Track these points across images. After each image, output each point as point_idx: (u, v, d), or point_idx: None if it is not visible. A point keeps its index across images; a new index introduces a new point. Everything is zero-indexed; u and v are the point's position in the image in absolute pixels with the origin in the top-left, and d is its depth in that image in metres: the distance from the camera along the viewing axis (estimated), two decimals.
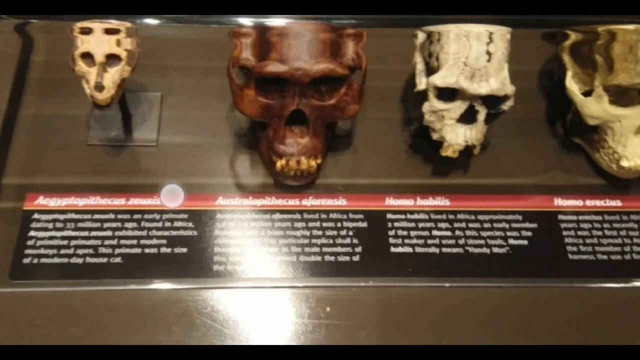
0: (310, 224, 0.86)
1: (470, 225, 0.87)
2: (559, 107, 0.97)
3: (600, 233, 0.87)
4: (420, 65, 0.88)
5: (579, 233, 0.87)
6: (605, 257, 0.85)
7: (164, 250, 0.83)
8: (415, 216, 0.87)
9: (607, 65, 0.86)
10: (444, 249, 0.85)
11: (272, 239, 0.84)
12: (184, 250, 0.83)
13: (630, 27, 0.85)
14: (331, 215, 0.87)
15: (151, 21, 0.87)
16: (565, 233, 0.87)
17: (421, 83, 0.86)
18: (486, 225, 0.87)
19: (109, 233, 0.83)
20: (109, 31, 0.83)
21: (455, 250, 0.85)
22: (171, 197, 0.85)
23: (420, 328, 0.79)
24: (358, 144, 0.94)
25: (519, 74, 0.85)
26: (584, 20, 0.87)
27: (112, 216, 0.85)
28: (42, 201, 0.85)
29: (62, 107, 0.94)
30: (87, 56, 0.81)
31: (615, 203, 0.90)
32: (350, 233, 0.85)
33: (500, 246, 0.85)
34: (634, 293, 0.83)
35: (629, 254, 0.86)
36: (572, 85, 0.90)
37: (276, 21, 0.85)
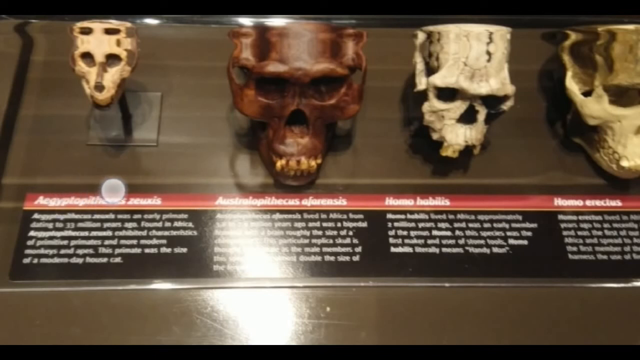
0: (310, 224, 0.86)
1: (470, 225, 0.87)
2: (559, 107, 0.97)
3: (600, 233, 0.87)
4: (420, 65, 0.88)
5: (579, 233, 0.87)
6: (605, 257, 0.85)
7: (164, 250, 0.83)
8: (415, 216, 0.87)
9: (607, 65, 0.86)
10: (444, 249, 0.85)
11: (272, 239, 0.84)
12: (184, 250, 0.83)
13: (630, 27, 0.85)
14: (331, 215, 0.87)
15: (151, 21, 0.87)
16: (565, 233, 0.87)
17: (421, 83, 0.86)
18: (486, 225, 0.87)
19: (109, 233, 0.83)
20: (109, 31, 0.83)
21: (455, 250, 0.85)
22: (112, 192, 0.86)
23: (420, 328, 0.79)
24: (358, 144, 0.94)
25: (519, 74, 0.85)
26: (584, 20, 0.87)
27: (112, 216, 0.85)
28: (42, 201, 0.85)
29: (62, 107, 0.94)
30: (87, 56, 0.81)
31: (615, 203, 0.90)
32: (350, 233, 0.85)
33: (500, 246, 0.85)
34: (634, 293, 0.83)
35: (629, 254, 0.86)
36: (572, 85, 0.90)
37: (276, 21, 0.85)
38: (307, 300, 0.80)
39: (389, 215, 0.87)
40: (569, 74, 0.91)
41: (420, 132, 0.92)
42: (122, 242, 0.83)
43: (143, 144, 0.92)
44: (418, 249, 0.84)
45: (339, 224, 0.86)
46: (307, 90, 0.81)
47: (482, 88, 0.81)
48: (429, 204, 0.88)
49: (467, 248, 0.85)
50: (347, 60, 0.82)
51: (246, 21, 0.86)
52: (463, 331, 0.79)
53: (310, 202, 0.88)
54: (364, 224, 0.86)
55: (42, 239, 0.82)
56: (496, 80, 0.81)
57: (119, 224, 0.84)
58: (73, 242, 0.82)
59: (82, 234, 0.83)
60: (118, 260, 0.82)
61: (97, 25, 0.82)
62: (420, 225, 0.86)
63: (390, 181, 0.91)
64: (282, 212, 0.87)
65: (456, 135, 0.84)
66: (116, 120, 0.92)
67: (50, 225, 0.83)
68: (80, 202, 0.86)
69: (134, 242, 0.83)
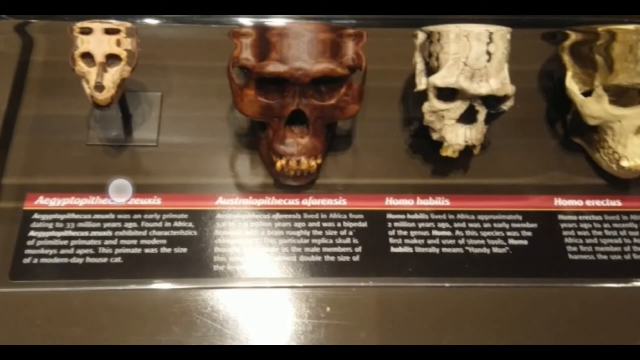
0: (310, 224, 0.86)
1: (470, 225, 0.87)
2: (559, 107, 0.97)
3: (600, 233, 0.87)
4: (420, 65, 0.88)
5: (579, 233, 0.87)
6: (605, 257, 0.85)
7: (164, 250, 0.83)
8: (415, 216, 0.87)
9: (607, 65, 0.86)
10: (444, 249, 0.85)
11: (272, 239, 0.84)
12: (184, 250, 0.83)
13: (630, 27, 0.85)
14: (331, 215, 0.87)
15: (151, 21, 0.87)
16: (565, 233, 0.87)
17: (421, 83, 0.86)
18: (486, 225, 0.87)
19: (109, 233, 0.83)
20: (109, 31, 0.83)
21: (455, 250, 0.85)
22: (119, 192, 0.86)
23: (420, 328, 0.79)
24: (358, 144, 0.94)
25: (519, 74, 0.85)
26: (584, 20, 0.87)
27: (112, 216, 0.85)
28: (42, 201, 0.85)
29: (62, 107, 0.94)
30: (87, 56, 0.81)
31: (615, 203, 0.90)
32: (350, 233, 0.85)
33: (500, 246, 0.85)
34: (634, 293, 0.83)
35: (629, 254, 0.86)
36: (572, 85, 0.90)
37: (276, 21, 0.85)
38: (307, 300, 0.80)
39: (389, 215, 0.87)
40: (569, 74, 0.91)
41: (420, 132, 0.92)
42: (122, 242, 0.83)
43: (143, 144, 0.92)
44: (418, 249, 0.84)
45: (339, 224, 0.86)
46: (307, 90, 0.81)
47: (482, 88, 0.81)
48: (429, 204, 0.88)
49: (467, 248, 0.85)
50: (347, 60, 0.82)
51: (246, 21, 0.86)
52: (463, 331, 0.79)
53: (310, 202, 0.88)
54: (364, 224, 0.86)
55: (42, 239, 0.82)
56: (496, 80, 0.81)
57: (119, 224, 0.84)
58: (73, 242, 0.82)
59: (82, 234, 0.83)
60: (118, 260, 0.82)
61: (97, 25, 0.82)
62: (420, 225, 0.86)
63: (390, 181, 0.91)
64: (282, 212, 0.87)
65: (456, 135, 0.84)
66: (116, 120, 0.92)
67: (50, 225, 0.83)
68: (80, 202, 0.86)
69: (134, 242, 0.83)
